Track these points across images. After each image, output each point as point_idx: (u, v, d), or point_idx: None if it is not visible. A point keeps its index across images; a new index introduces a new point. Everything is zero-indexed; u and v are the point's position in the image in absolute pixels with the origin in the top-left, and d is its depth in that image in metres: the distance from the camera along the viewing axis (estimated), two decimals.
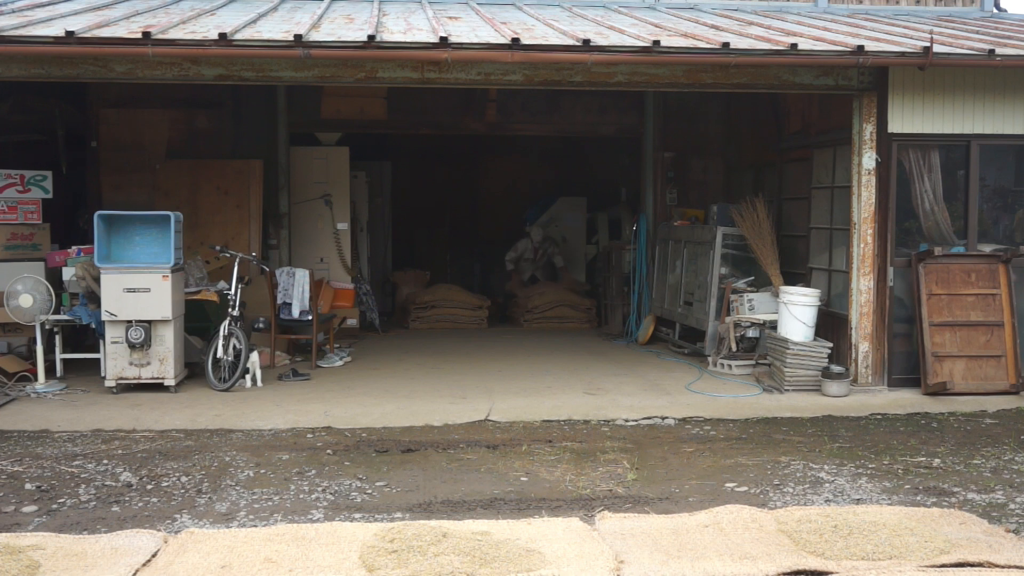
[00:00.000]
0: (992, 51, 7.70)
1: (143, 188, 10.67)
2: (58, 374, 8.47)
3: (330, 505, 5.21)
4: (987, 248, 8.42)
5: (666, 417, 7.29)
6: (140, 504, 5.21)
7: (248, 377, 8.31)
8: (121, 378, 7.97)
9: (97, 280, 8.11)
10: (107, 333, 7.94)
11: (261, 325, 9.04)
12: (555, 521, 4.83)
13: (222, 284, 8.86)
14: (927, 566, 4.26)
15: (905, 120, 8.22)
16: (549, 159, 15.64)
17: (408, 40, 7.38)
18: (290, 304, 9.51)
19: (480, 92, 11.31)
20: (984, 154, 8.47)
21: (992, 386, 8.08)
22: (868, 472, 5.87)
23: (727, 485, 5.61)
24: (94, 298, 8.27)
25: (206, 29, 7.54)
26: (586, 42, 7.39)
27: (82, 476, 5.70)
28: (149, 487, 5.51)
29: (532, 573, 4.14)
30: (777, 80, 8.10)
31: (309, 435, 6.74)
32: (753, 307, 9.24)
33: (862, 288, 8.23)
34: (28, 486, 5.50)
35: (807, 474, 5.82)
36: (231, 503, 5.23)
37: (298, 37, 7.15)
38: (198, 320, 9.04)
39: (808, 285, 9.02)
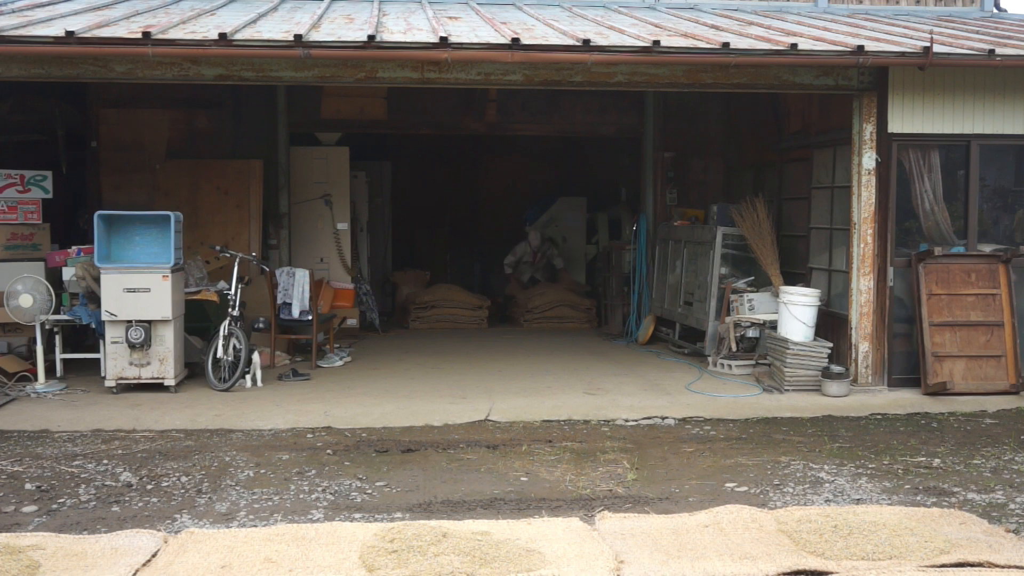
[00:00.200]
0: (992, 51, 7.70)
1: (143, 188, 10.67)
2: (58, 374, 8.47)
3: (330, 505, 5.21)
4: (987, 248, 8.42)
5: (666, 417, 7.29)
6: (140, 504, 5.21)
7: (248, 377, 8.31)
8: (121, 378, 7.97)
9: (97, 280, 8.11)
10: (107, 333, 7.94)
11: (261, 325, 9.04)
12: (555, 521, 4.83)
13: (222, 284, 8.86)
14: (927, 566, 4.26)
15: (905, 120, 8.22)
16: (549, 159, 15.64)
17: (408, 40, 7.38)
18: (290, 304, 9.51)
19: (480, 92, 11.31)
20: (984, 154, 8.47)
21: (992, 386, 8.08)
22: (868, 472, 5.87)
23: (727, 485, 5.61)
24: (94, 298, 8.27)
25: (206, 29, 7.54)
26: (586, 42, 7.39)
27: (82, 476, 5.70)
28: (149, 487, 5.51)
29: (532, 573, 4.14)
30: (777, 80, 8.10)
31: (309, 435, 6.74)
32: (753, 307, 9.24)
33: (862, 288, 8.23)
34: (28, 486, 5.50)
35: (807, 474, 5.82)
36: (231, 503, 5.23)
37: (298, 37, 7.15)
38: (198, 320, 9.04)
39: (808, 285, 9.02)
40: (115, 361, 7.94)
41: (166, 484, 5.55)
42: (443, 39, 7.24)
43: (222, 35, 7.09)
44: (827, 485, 5.59)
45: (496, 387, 8.40)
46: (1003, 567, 4.26)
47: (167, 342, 7.96)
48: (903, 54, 7.67)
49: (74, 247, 8.82)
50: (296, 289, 9.52)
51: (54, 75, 7.60)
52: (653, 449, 6.40)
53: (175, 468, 5.85)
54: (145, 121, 10.79)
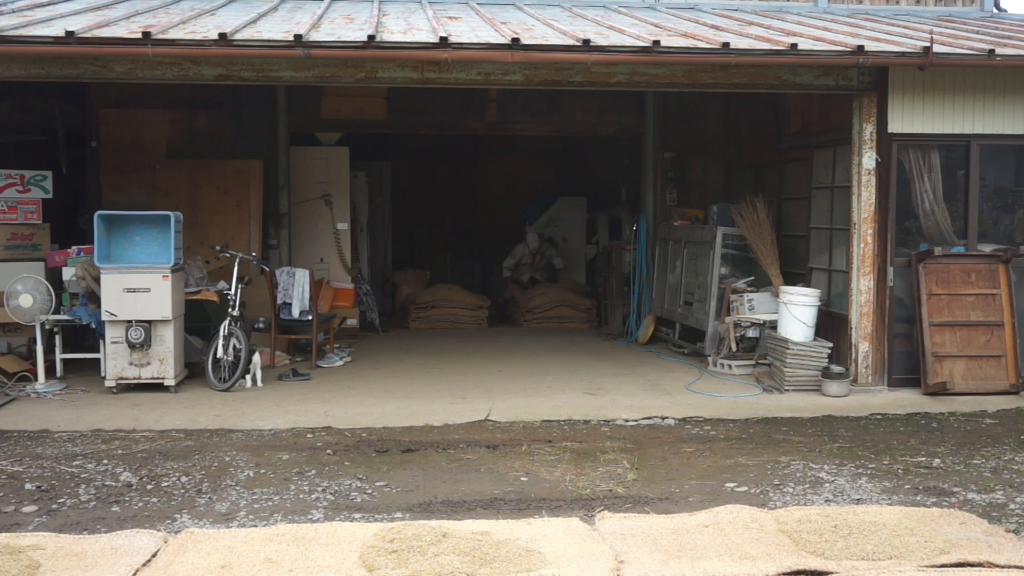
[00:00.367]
0: (992, 51, 7.70)
1: (143, 188, 10.67)
2: (58, 374, 8.47)
3: (330, 505, 5.21)
4: (987, 248, 8.42)
5: (666, 417, 7.29)
6: (140, 504, 5.21)
7: (248, 377, 8.31)
8: (121, 378, 7.97)
9: (97, 280, 8.11)
10: (107, 333, 7.94)
11: (261, 325, 9.04)
12: (555, 521, 4.83)
13: (222, 284, 8.86)
14: (927, 566, 4.26)
15: (905, 120, 8.22)
16: (549, 159, 15.64)
17: (408, 40, 7.38)
18: (290, 304, 9.51)
19: (480, 92, 11.31)
20: (984, 154, 8.47)
21: (992, 386, 8.08)
22: (868, 472, 5.87)
23: (727, 485, 5.61)
24: (94, 298, 8.27)
25: (206, 29, 7.54)
26: (586, 42, 7.39)
27: (82, 476, 5.70)
28: (149, 487, 5.51)
29: (532, 573, 4.14)
30: (777, 80, 8.10)
31: (309, 435, 6.74)
32: (753, 307, 9.24)
33: (862, 288, 8.23)
34: (28, 486, 5.50)
35: (807, 474, 5.82)
36: (231, 503, 5.23)
37: (298, 37, 7.15)
38: (198, 320, 9.04)
39: (808, 285, 9.02)
40: (115, 361, 7.94)
41: (166, 484, 5.55)
42: (443, 39, 7.24)
43: (222, 35, 7.09)
44: (827, 485, 5.59)
45: (496, 387, 8.40)
46: (1003, 567, 4.26)
47: (167, 342, 7.96)
48: (903, 54, 7.67)
49: (74, 247, 8.82)
50: (296, 289, 9.52)
51: (54, 75, 7.60)
52: (653, 449, 6.40)
53: (175, 468, 5.85)
54: (145, 121, 10.79)
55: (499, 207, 15.76)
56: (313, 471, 5.82)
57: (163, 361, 7.96)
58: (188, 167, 10.71)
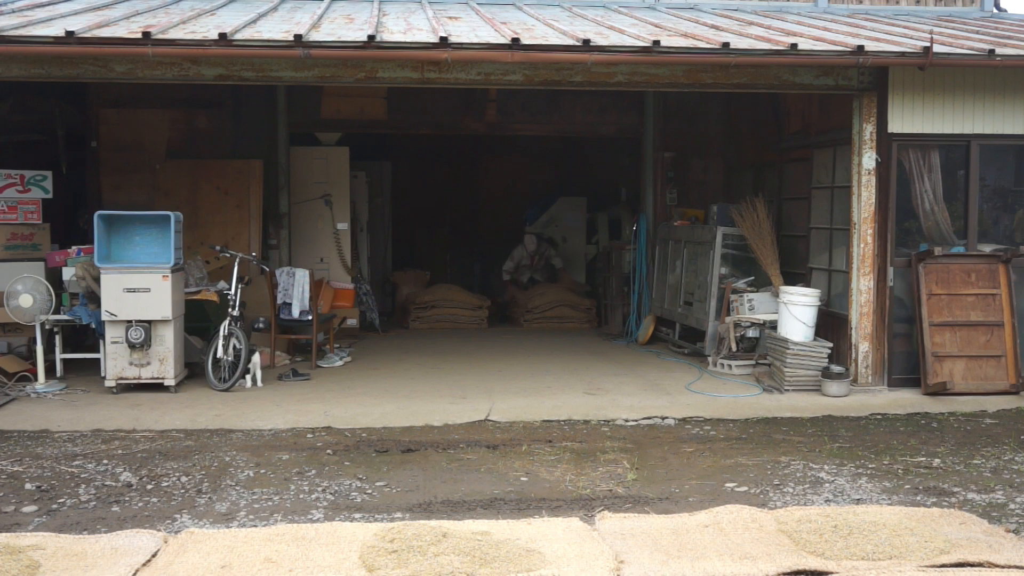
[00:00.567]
0: (992, 51, 7.70)
1: (143, 188, 10.67)
2: (58, 374, 8.47)
3: (330, 505, 5.21)
4: (987, 248, 8.42)
5: (666, 417, 7.29)
6: (140, 504, 5.21)
7: (248, 377, 8.31)
8: (121, 378, 7.97)
9: (97, 280, 8.11)
10: (107, 333, 7.94)
11: (261, 325, 9.04)
12: (555, 521, 4.83)
13: (222, 284, 8.86)
14: (927, 566, 4.26)
15: (905, 120, 8.22)
16: (549, 159, 15.64)
17: (408, 40, 7.38)
18: (290, 304, 9.51)
19: (480, 92, 11.31)
20: (984, 154, 8.47)
21: (992, 386, 8.08)
22: (868, 472, 5.87)
23: (727, 485, 5.61)
24: (94, 298, 8.27)
25: (206, 29, 7.54)
26: (586, 42, 7.39)
27: (82, 476, 5.70)
28: (149, 487, 5.51)
29: (532, 573, 4.14)
30: (777, 80, 8.10)
31: (309, 435, 6.74)
32: (753, 307, 9.24)
33: (862, 288, 8.23)
34: (28, 486, 5.50)
35: (807, 474, 5.82)
36: (231, 503, 5.23)
37: (298, 37, 7.15)
38: (198, 320, 9.04)
39: (808, 285, 9.02)
40: (115, 361, 7.94)
41: (166, 484, 5.55)
42: (443, 39, 7.24)
43: (222, 35, 7.09)
44: (827, 485, 5.59)
45: (496, 387, 8.40)
46: (1003, 567, 4.26)
47: (167, 342, 7.96)
48: (903, 54, 7.67)
49: (74, 247, 8.82)
50: (296, 289, 9.52)
51: (54, 75, 7.61)
52: (653, 449, 6.40)
53: (175, 468, 5.85)
54: (145, 121, 10.79)
55: (499, 207, 15.76)
56: (313, 471, 5.82)
57: (163, 361, 7.96)
58: (188, 167, 10.71)
